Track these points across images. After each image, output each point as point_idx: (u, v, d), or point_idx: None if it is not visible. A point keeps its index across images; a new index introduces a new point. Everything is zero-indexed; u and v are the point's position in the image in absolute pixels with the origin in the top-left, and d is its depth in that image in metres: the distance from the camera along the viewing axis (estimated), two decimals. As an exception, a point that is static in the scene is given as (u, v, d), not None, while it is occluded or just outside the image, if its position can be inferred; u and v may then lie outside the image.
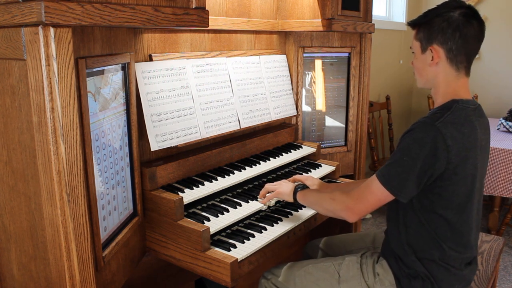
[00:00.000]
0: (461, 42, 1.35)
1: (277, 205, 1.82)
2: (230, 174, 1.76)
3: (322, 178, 2.09)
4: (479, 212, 1.47)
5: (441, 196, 1.34)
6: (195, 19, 1.33)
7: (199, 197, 1.58)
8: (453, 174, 1.30)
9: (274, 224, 1.65)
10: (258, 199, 1.71)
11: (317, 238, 1.92)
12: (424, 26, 1.39)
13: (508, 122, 3.38)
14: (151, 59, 1.59)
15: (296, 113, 2.24)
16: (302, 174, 2.03)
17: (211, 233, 1.46)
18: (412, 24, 1.45)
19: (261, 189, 1.80)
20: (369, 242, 1.80)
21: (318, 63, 2.35)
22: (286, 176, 1.99)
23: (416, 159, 1.28)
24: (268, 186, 1.70)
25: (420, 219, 1.39)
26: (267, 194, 1.70)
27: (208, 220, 1.53)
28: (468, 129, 1.32)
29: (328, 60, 2.38)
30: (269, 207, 1.76)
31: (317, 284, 1.54)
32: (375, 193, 1.34)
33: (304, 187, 1.66)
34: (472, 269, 1.49)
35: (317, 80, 2.37)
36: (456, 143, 1.28)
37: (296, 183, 1.70)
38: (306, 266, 1.59)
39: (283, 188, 1.66)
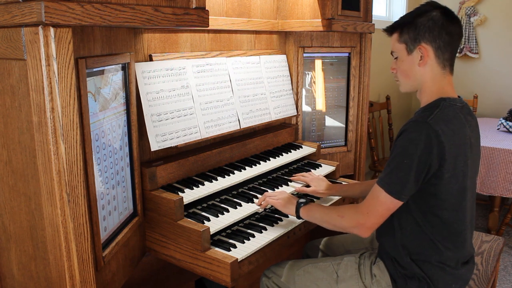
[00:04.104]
0: (448, 39, 1.37)
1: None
2: (230, 174, 1.76)
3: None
4: (473, 211, 1.48)
5: (436, 195, 1.35)
6: (195, 19, 1.33)
7: (199, 197, 1.58)
8: (445, 171, 1.31)
9: (274, 224, 1.65)
10: (256, 204, 1.66)
11: (317, 239, 1.92)
12: (408, 27, 1.40)
13: (508, 122, 3.38)
14: (151, 59, 1.59)
15: (296, 113, 2.24)
16: (310, 170, 2.04)
17: (211, 233, 1.46)
18: (392, 28, 1.46)
19: (261, 189, 1.81)
20: (368, 242, 1.80)
21: (318, 63, 2.35)
22: (286, 176, 1.99)
23: (413, 158, 1.29)
24: (268, 199, 1.65)
25: (416, 220, 1.39)
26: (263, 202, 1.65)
27: (208, 220, 1.53)
28: (457, 126, 1.33)
29: (328, 60, 2.38)
30: (265, 209, 1.74)
31: (316, 283, 1.54)
32: (384, 203, 1.33)
33: (306, 202, 1.58)
34: (469, 268, 1.49)
35: (317, 80, 2.37)
36: (447, 139, 1.30)
37: (299, 199, 1.61)
38: (306, 266, 1.60)
39: (285, 203, 1.61)
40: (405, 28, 1.41)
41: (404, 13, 4.20)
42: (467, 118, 1.40)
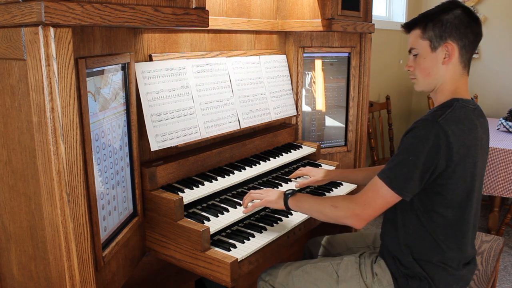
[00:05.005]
0: (473, 38, 1.37)
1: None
2: (230, 174, 1.76)
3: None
4: (478, 212, 1.47)
5: (442, 195, 1.34)
6: (195, 19, 1.33)
7: (199, 197, 1.58)
8: (453, 172, 1.30)
9: (274, 224, 1.65)
10: (243, 207, 1.63)
11: (319, 236, 1.93)
12: (433, 23, 1.37)
13: (508, 122, 3.38)
14: (151, 59, 1.59)
15: (296, 113, 2.24)
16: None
17: (211, 233, 1.46)
18: (413, 24, 1.42)
19: (261, 189, 1.80)
20: (370, 241, 1.80)
21: (318, 63, 2.35)
22: (286, 176, 1.99)
23: (420, 156, 1.27)
24: (253, 194, 1.62)
25: (420, 220, 1.39)
26: (249, 203, 1.62)
27: (208, 220, 1.53)
28: (468, 127, 1.32)
29: (328, 60, 2.38)
30: (249, 218, 1.68)
31: (316, 284, 1.54)
32: (383, 196, 1.32)
33: (294, 192, 1.55)
34: (471, 269, 1.49)
35: (317, 80, 2.37)
36: (457, 140, 1.29)
37: (286, 191, 1.57)
38: (304, 266, 1.59)
39: (271, 197, 1.57)
40: (429, 24, 1.38)
41: (405, 13, 4.18)
42: (480, 120, 1.39)
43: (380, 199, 1.33)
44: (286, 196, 1.55)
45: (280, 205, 1.56)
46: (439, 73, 1.40)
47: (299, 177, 1.96)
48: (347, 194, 1.98)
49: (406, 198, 1.33)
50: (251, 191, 1.66)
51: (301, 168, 1.94)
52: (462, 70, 1.40)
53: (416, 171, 1.28)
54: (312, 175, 1.87)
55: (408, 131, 1.34)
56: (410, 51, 1.46)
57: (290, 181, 1.92)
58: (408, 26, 1.45)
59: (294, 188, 1.85)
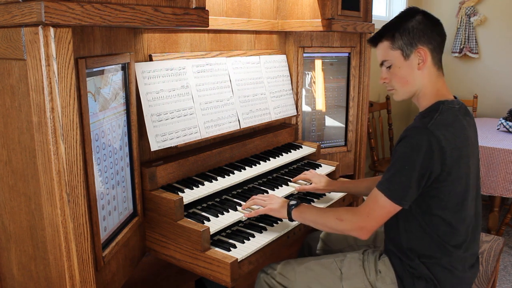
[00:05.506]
0: (439, 40, 1.41)
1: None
2: (230, 174, 1.76)
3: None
4: (478, 209, 1.47)
5: (438, 197, 1.35)
6: (195, 19, 1.33)
7: (199, 197, 1.58)
8: (447, 174, 1.32)
9: (274, 224, 1.65)
10: (243, 209, 1.61)
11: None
12: (400, 32, 1.40)
13: (508, 122, 3.38)
14: (151, 59, 1.59)
15: (296, 113, 2.24)
16: (308, 169, 2.04)
17: (211, 233, 1.46)
18: (380, 37, 1.45)
19: (261, 189, 1.81)
20: (370, 240, 1.80)
21: (318, 63, 2.35)
22: (286, 176, 1.99)
23: (415, 164, 1.29)
24: (257, 200, 1.63)
25: (420, 223, 1.39)
26: (254, 206, 1.61)
27: (208, 220, 1.53)
28: (458, 129, 1.34)
29: (328, 60, 2.38)
30: (249, 218, 1.67)
31: (319, 280, 1.53)
32: (384, 207, 1.34)
33: (298, 203, 1.55)
34: (475, 272, 1.50)
35: (317, 80, 2.37)
36: (449, 144, 1.30)
37: (290, 201, 1.57)
38: (307, 262, 1.59)
39: (274, 205, 1.58)
40: (396, 34, 1.41)
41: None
42: (466, 118, 1.41)
43: (381, 210, 1.35)
44: (290, 207, 1.55)
45: (283, 215, 1.56)
46: (416, 79, 1.42)
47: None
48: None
49: (405, 207, 1.34)
50: (254, 196, 1.66)
51: (305, 172, 1.93)
52: (437, 72, 1.43)
53: (413, 180, 1.30)
54: (315, 182, 1.87)
55: (400, 139, 1.35)
56: (382, 64, 1.48)
57: (290, 181, 1.92)
58: (375, 40, 1.48)
59: (294, 190, 1.85)
